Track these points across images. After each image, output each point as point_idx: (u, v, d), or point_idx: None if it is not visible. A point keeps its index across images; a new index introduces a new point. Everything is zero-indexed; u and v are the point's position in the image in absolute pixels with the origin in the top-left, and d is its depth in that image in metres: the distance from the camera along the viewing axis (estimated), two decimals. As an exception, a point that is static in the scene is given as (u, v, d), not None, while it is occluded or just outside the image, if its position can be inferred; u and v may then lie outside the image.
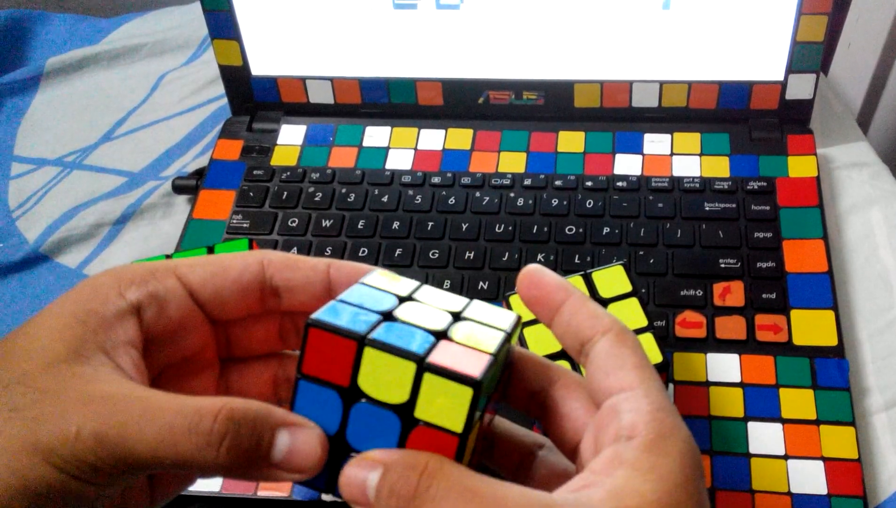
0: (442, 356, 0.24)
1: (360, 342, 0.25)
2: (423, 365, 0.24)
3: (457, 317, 0.27)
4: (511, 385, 0.30)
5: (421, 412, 0.24)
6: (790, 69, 0.54)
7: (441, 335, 0.25)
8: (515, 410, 0.30)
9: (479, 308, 0.28)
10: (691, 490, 0.24)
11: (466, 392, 0.24)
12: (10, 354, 0.26)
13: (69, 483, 0.24)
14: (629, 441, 0.25)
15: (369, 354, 0.24)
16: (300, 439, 0.25)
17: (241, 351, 0.32)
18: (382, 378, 0.25)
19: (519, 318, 0.28)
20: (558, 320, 0.28)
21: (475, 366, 0.24)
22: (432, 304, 0.27)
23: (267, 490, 0.42)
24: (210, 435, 0.24)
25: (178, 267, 0.28)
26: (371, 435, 0.25)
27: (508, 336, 0.27)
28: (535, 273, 0.29)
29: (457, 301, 0.28)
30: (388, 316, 0.26)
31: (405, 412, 0.25)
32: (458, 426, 0.24)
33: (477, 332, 0.26)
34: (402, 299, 0.27)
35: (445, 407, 0.24)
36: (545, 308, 0.29)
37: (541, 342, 0.39)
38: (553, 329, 0.29)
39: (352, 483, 0.24)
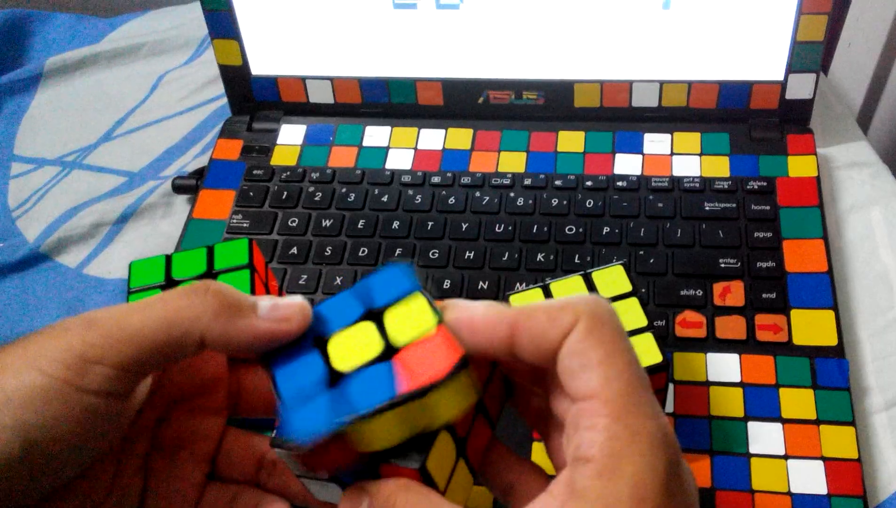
0: (408, 376, 0.25)
1: (341, 426, 0.25)
2: (397, 403, 0.25)
3: (376, 315, 0.27)
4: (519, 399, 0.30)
5: (437, 421, 0.25)
6: (790, 69, 0.54)
7: (389, 353, 0.26)
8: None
9: (378, 287, 0.27)
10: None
11: (463, 376, 0.25)
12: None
13: (55, 387, 0.24)
14: (583, 466, 0.24)
15: (357, 427, 0.25)
16: (282, 299, 0.27)
17: None
18: (385, 429, 0.25)
19: (463, 361, 0.25)
20: (522, 349, 0.25)
21: (447, 357, 0.25)
22: (346, 324, 0.27)
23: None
24: (197, 287, 0.26)
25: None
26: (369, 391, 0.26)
27: (410, 397, 0.25)
28: (456, 322, 0.26)
29: (354, 299, 0.27)
30: (333, 376, 0.26)
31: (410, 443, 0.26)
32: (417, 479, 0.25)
33: (404, 316, 0.26)
34: (321, 342, 0.27)
35: (456, 398, 0.25)
36: (494, 347, 0.26)
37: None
38: (526, 360, 0.26)
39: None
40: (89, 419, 0.25)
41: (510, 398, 0.30)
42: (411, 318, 0.26)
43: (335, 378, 0.26)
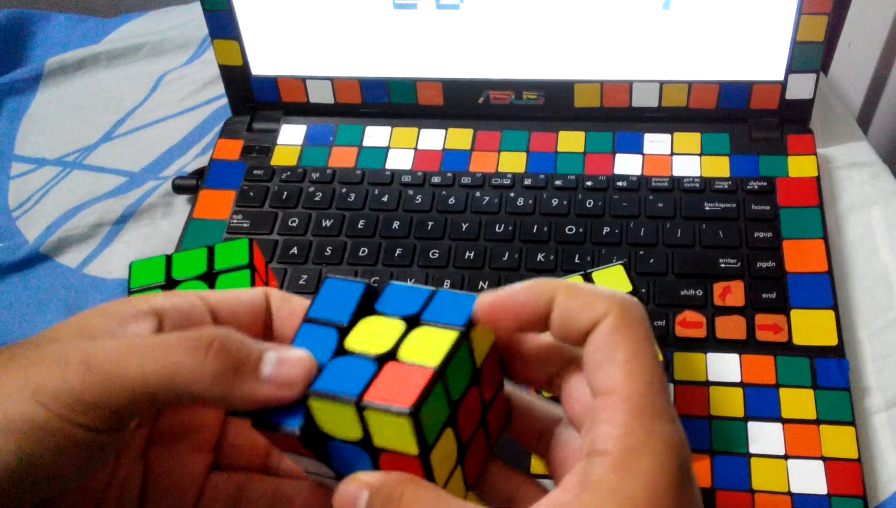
0: (380, 388, 0.25)
1: (305, 396, 0.25)
2: (360, 405, 0.24)
3: (413, 322, 0.27)
4: (516, 423, 0.30)
5: (378, 441, 0.25)
6: (790, 69, 0.54)
7: (387, 358, 0.26)
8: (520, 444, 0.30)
9: (440, 303, 0.27)
10: (666, 506, 0.23)
11: (405, 423, 0.24)
12: (29, 338, 0.27)
13: (55, 423, 0.24)
14: (599, 458, 0.24)
15: (315, 404, 0.25)
16: (289, 355, 0.26)
17: None
18: (336, 420, 0.25)
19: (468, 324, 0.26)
20: (554, 323, 0.26)
21: (410, 394, 0.24)
22: (389, 313, 0.27)
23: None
24: (199, 340, 0.25)
25: (199, 291, 0.29)
26: (350, 461, 0.26)
27: (464, 334, 0.26)
28: (498, 300, 0.26)
29: (417, 300, 0.27)
30: (338, 349, 0.26)
31: (366, 443, 0.26)
32: (413, 450, 0.25)
33: (428, 340, 0.26)
34: (356, 316, 0.27)
35: (395, 436, 0.25)
36: (530, 322, 0.26)
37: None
38: (553, 334, 0.27)
39: (345, 499, 0.26)
40: (84, 449, 0.25)
41: (509, 426, 0.30)
42: (394, 432, 0.25)
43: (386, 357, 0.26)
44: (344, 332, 0.27)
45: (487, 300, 0.26)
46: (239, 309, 0.29)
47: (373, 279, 0.50)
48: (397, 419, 0.24)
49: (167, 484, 0.30)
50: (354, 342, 0.26)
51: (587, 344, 0.25)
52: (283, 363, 0.26)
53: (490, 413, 0.28)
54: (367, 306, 0.27)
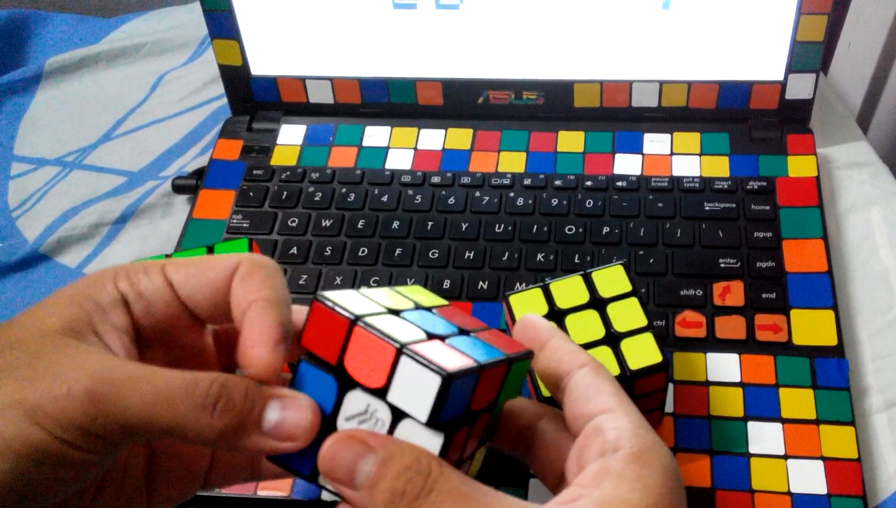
0: (424, 348, 0.25)
1: (353, 321, 0.25)
2: (401, 350, 0.24)
3: (464, 332, 0.28)
4: (501, 425, 0.31)
5: (393, 396, 0.25)
6: (790, 69, 0.54)
7: (434, 337, 0.26)
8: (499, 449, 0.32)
9: (494, 335, 0.29)
10: (674, 502, 0.26)
11: (435, 381, 0.24)
12: (8, 326, 0.26)
13: (54, 445, 0.24)
14: (615, 454, 0.26)
15: (357, 334, 0.25)
16: (292, 407, 0.26)
17: None
18: (366, 360, 0.25)
19: (530, 353, 0.30)
20: (543, 354, 0.30)
21: (453, 363, 0.24)
22: (446, 319, 0.29)
23: (267, 490, 0.42)
24: (206, 397, 0.25)
25: (165, 265, 0.29)
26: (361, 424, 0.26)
27: (509, 361, 0.28)
28: (529, 319, 0.32)
29: (474, 324, 0.30)
30: (393, 312, 0.27)
31: (380, 395, 0.25)
32: (422, 416, 0.24)
33: (476, 345, 0.27)
34: (420, 308, 0.28)
35: (416, 393, 0.24)
36: (533, 344, 0.31)
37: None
38: (537, 363, 0.31)
39: (337, 462, 0.24)
40: (80, 469, 0.25)
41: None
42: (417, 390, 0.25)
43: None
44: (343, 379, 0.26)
45: (527, 318, 0.32)
46: (198, 293, 0.28)
47: (372, 279, 0.50)
48: (430, 375, 0.24)
49: (175, 456, 0.30)
50: (412, 316, 0.27)
51: (574, 382, 0.29)
52: (287, 417, 0.25)
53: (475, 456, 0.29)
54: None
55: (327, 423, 0.26)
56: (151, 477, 0.29)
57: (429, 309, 0.29)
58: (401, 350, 0.24)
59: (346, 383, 0.26)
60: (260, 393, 0.26)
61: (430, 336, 0.26)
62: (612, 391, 0.29)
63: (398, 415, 0.25)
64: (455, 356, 0.25)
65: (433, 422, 0.24)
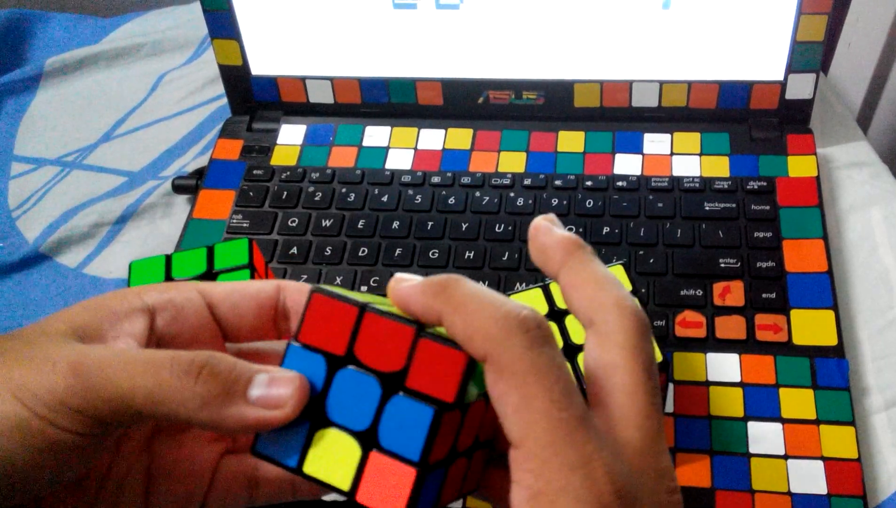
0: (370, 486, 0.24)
1: (363, 308, 0.25)
2: (420, 333, 0.24)
3: (368, 442, 0.26)
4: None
5: (413, 381, 0.24)
6: (790, 69, 0.54)
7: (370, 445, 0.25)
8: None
9: (396, 417, 0.27)
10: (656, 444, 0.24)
11: (460, 362, 0.23)
12: (19, 328, 0.26)
13: (37, 424, 0.24)
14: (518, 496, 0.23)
15: (369, 319, 0.25)
16: (279, 378, 0.25)
17: None
18: (380, 346, 0.25)
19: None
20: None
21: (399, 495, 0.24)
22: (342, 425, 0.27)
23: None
24: (191, 365, 0.25)
25: (200, 283, 0.29)
26: (350, 405, 0.25)
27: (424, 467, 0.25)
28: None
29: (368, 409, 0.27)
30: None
31: (395, 381, 0.25)
32: (449, 396, 0.24)
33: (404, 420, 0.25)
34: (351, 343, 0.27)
35: (436, 378, 0.24)
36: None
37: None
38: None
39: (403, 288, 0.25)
40: (64, 452, 0.25)
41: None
42: (439, 371, 0.24)
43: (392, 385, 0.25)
44: (335, 361, 0.26)
45: (392, 292, 0.26)
46: (241, 304, 0.29)
47: (372, 279, 0.50)
48: (458, 353, 0.24)
49: (175, 475, 0.29)
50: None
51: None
52: (273, 384, 0.25)
53: (471, 470, 0.28)
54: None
55: (316, 405, 0.26)
56: (150, 496, 0.29)
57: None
58: (419, 333, 0.24)
59: (336, 363, 0.25)
60: (247, 366, 0.26)
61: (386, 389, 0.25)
62: (514, 405, 0.23)
63: (388, 392, 0.25)
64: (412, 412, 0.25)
65: (459, 402, 0.24)
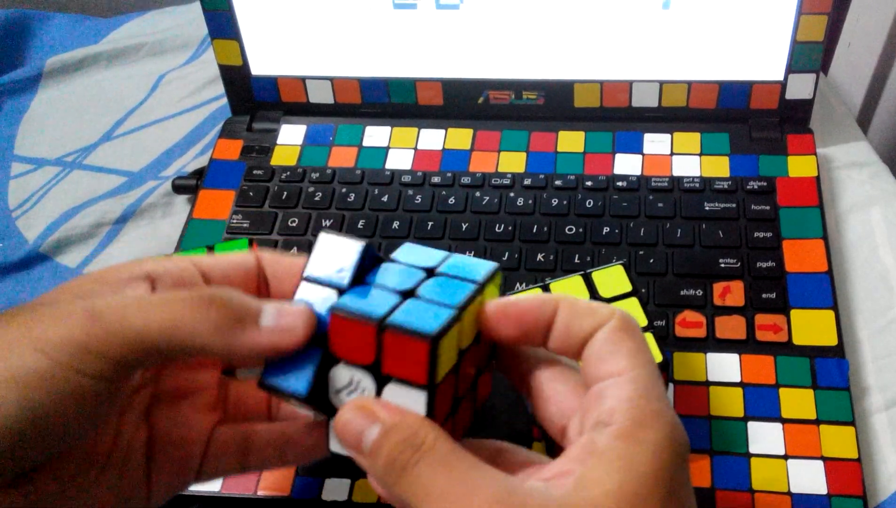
0: (402, 315, 0.26)
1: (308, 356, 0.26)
2: (382, 326, 0.25)
3: (431, 273, 0.28)
4: (500, 359, 0.30)
5: (389, 367, 0.26)
6: (790, 69, 0.54)
7: (408, 295, 0.27)
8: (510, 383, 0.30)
9: (460, 262, 0.29)
10: (662, 482, 0.24)
11: (423, 347, 0.25)
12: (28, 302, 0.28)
13: (57, 371, 0.24)
14: (605, 429, 0.25)
15: (335, 322, 0.26)
16: (288, 307, 0.27)
17: None
18: (350, 342, 0.26)
19: (498, 267, 0.29)
20: (555, 333, 0.28)
21: (433, 324, 0.25)
22: (415, 263, 0.29)
23: (267, 490, 0.42)
24: (202, 297, 0.26)
25: (191, 256, 0.30)
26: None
27: (481, 287, 0.27)
28: (502, 306, 0.28)
29: (433, 258, 0.29)
30: (358, 281, 0.28)
31: (375, 369, 0.26)
32: (422, 380, 0.25)
33: (446, 287, 0.27)
34: (357, 277, 0.28)
35: (409, 362, 0.25)
36: (533, 330, 0.28)
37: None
38: (551, 345, 0.28)
39: (349, 429, 0.26)
40: (87, 399, 0.25)
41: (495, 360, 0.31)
42: (448, 290, 0.27)
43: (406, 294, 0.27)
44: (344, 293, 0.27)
45: (494, 306, 0.28)
46: (230, 272, 0.30)
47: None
48: (418, 342, 0.25)
49: (172, 442, 0.30)
50: (377, 278, 0.28)
51: (592, 342, 0.27)
52: (283, 314, 0.27)
53: (479, 382, 0.29)
54: (366, 267, 0.28)
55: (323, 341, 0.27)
56: (151, 463, 0.30)
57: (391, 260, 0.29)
58: (381, 327, 0.25)
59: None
60: (256, 300, 0.27)
61: (404, 295, 0.27)
62: (630, 350, 0.26)
63: (382, 381, 0.26)
64: (430, 311, 0.26)
65: (432, 385, 0.25)
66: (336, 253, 0.28)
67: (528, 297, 0.28)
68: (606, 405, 0.25)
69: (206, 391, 0.32)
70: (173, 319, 0.25)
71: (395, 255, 0.29)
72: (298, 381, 0.26)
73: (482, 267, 0.28)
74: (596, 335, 0.27)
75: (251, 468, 0.32)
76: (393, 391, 0.26)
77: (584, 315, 0.27)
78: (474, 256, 0.50)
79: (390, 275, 0.28)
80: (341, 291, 0.27)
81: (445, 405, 0.27)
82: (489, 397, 0.31)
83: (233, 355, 0.26)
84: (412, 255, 0.29)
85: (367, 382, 0.26)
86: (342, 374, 0.27)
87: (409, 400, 0.26)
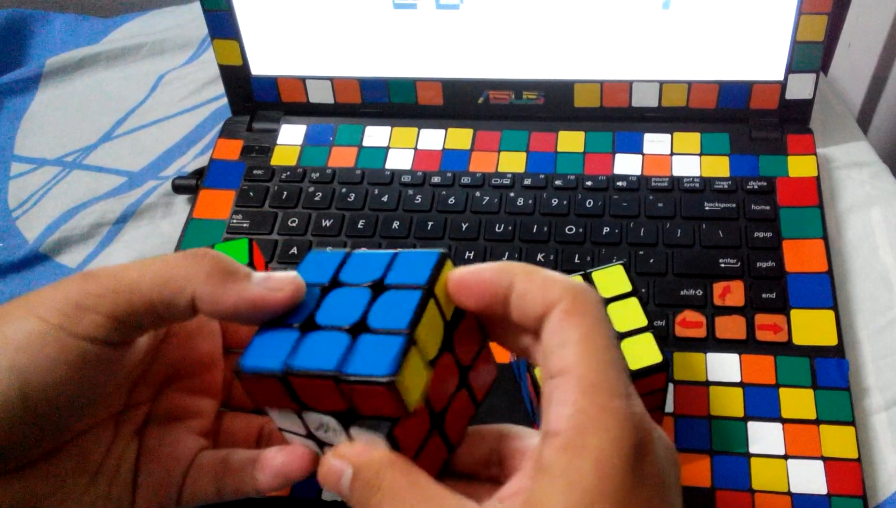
0: (357, 359, 0.25)
1: (282, 376, 0.26)
2: (339, 380, 0.25)
3: (378, 287, 0.27)
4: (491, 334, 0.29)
5: (363, 410, 0.26)
6: (790, 69, 0.54)
7: (359, 328, 0.26)
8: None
9: (404, 264, 0.27)
10: (608, 492, 0.22)
11: (385, 393, 0.24)
12: None
13: (50, 332, 0.25)
14: (551, 440, 0.24)
15: (295, 382, 0.26)
16: (275, 274, 0.27)
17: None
18: (317, 395, 0.26)
19: (442, 255, 0.27)
20: (512, 309, 0.26)
21: (388, 361, 0.24)
22: (355, 281, 0.28)
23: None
24: (195, 251, 0.27)
25: None
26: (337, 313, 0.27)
27: (429, 291, 0.26)
28: (461, 276, 0.27)
29: (380, 264, 0.28)
30: (307, 324, 0.27)
31: (348, 415, 0.26)
32: (394, 413, 0.25)
33: (394, 301, 0.26)
34: (327, 286, 0.28)
35: (377, 403, 0.25)
36: (494, 302, 0.26)
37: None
38: (513, 320, 0.26)
39: (329, 477, 0.26)
40: (83, 365, 0.25)
41: (487, 340, 0.29)
42: (377, 402, 0.25)
43: (308, 328, 0.27)
44: (324, 290, 0.27)
45: (454, 278, 0.27)
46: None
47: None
48: (378, 387, 0.24)
49: (156, 461, 0.31)
50: (324, 316, 0.27)
51: (543, 329, 0.25)
52: (271, 278, 0.27)
53: (472, 374, 0.28)
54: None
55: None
56: (137, 478, 0.30)
57: (336, 280, 0.28)
58: (338, 380, 0.25)
59: (325, 289, 0.27)
60: (247, 268, 0.28)
61: (355, 331, 0.26)
62: (577, 338, 0.24)
63: (347, 421, 0.26)
64: (384, 344, 0.25)
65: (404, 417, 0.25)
66: (321, 263, 0.28)
67: (487, 267, 0.26)
68: (552, 412, 0.24)
69: (201, 417, 0.32)
70: (167, 270, 0.26)
71: (343, 275, 0.28)
72: (275, 359, 0.26)
73: (427, 262, 0.26)
74: (547, 319, 0.25)
75: (227, 493, 0.31)
76: (360, 430, 0.26)
77: (536, 292, 0.25)
78: (474, 256, 0.50)
79: (337, 304, 0.27)
80: (322, 288, 0.27)
81: (422, 423, 0.26)
82: (494, 383, 0.30)
83: (222, 305, 0.26)
84: (359, 266, 0.28)
85: (334, 423, 0.26)
86: (313, 417, 0.27)
87: (377, 435, 0.26)
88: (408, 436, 0.26)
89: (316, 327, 0.26)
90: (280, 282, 0.27)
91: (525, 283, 0.26)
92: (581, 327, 0.25)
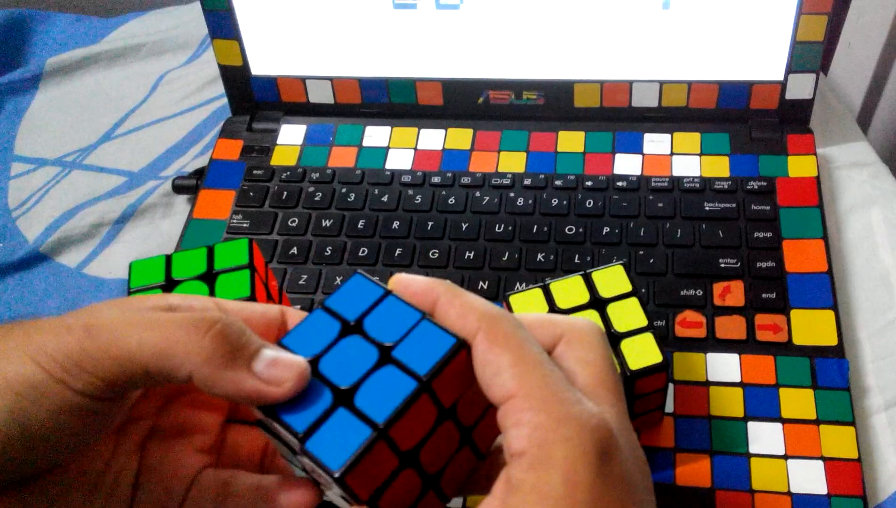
0: (324, 434, 0.25)
1: (259, 420, 0.26)
2: (302, 449, 0.25)
3: (385, 356, 0.26)
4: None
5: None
6: (790, 69, 0.54)
7: (344, 397, 0.25)
8: None
9: (421, 336, 0.26)
10: (581, 500, 0.23)
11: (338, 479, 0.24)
12: None
13: (50, 384, 0.24)
14: (517, 461, 0.24)
15: (273, 429, 0.26)
16: (283, 357, 0.26)
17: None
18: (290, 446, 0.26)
19: (458, 343, 0.26)
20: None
21: (345, 455, 0.24)
22: (372, 334, 0.27)
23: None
24: (201, 321, 0.25)
25: (216, 299, 0.30)
26: (350, 369, 0.26)
27: (424, 385, 0.25)
28: (403, 283, 0.27)
29: (404, 323, 0.26)
30: (338, 396, 0.26)
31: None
32: (353, 502, 0.25)
33: (387, 385, 0.25)
34: (349, 326, 0.27)
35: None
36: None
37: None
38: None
39: None
40: (79, 414, 0.25)
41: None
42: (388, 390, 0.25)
43: (341, 397, 0.25)
44: (347, 328, 0.27)
45: (396, 280, 0.27)
46: (252, 320, 0.29)
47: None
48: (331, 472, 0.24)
49: (157, 477, 0.30)
50: (327, 364, 0.26)
51: (473, 359, 0.26)
52: (277, 365, 0.26)
53: (477, 431, 0.28)
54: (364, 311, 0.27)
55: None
56: (136, 493, 0.30)
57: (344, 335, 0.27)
58: (337, 479, 0.24)
59: (348, 328, 0.27)
60: (256, 338, 0.26)
61: (336, 399, 0.25)
62: (509, 362, 0.24)
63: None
64: (354, 429, 0.24)
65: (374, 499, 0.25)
66: (360, 293, 0.27)
67: (418, 281, 0.27)
68: (511, 435, 0.24)
69: (205, 433, 0.32)
70: (167, 341, 0.25)
71: (368, 320, 0.27)
72: (301, 420, 0.25)
73: (440, 346, 0.25)
74: (473, 349, 0.25)
75: None
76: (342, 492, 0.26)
77: (455, 320, 0.26)
78: (474, 256, 0.50)
79: (344, 354, 0.26)
80: (346, 324, 0.27)
81: (412, 487, 0.26)
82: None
83: (216, 390, 0.26)
84: (386, 316, 0.27)
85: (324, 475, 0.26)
86: (305, 461, 0.26)
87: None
88: (395, 499, 0.26)
89: (314, 372, 0.26)
90: (283, 373, 0.26)
91: (445, 307, 0.26)
92: (508, 352, 0.25)
